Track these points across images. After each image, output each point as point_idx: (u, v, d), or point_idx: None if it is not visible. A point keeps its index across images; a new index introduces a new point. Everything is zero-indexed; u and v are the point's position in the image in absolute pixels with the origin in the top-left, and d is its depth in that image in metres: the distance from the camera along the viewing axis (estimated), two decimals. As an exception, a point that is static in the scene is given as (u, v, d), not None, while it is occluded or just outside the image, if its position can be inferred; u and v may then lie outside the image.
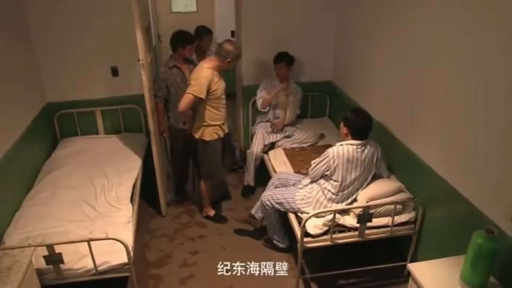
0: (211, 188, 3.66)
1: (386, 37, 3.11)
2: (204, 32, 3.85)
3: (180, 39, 3.50)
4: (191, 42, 3.53)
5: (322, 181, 2.86)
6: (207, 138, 3.26)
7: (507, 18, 1.97)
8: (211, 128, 3.25)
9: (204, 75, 3.04)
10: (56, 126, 3.87)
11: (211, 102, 3.15)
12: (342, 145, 2.75)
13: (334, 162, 2.73)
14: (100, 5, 3.55)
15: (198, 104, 3.16)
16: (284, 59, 3.71)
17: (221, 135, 3.35)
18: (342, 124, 2.81)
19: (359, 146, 2.73)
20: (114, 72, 3.83)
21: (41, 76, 3.68)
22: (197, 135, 3.28)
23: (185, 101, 3.05)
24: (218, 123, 3.27)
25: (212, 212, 3.71)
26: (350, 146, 2.73)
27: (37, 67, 3.63)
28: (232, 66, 3.23)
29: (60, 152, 3.66)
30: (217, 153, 3.42)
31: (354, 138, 2.74)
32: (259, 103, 3.87)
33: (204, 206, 3.72)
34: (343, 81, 4.06)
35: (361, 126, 2.73)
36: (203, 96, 3.05)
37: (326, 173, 2.82)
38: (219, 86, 3.15)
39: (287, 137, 3.87)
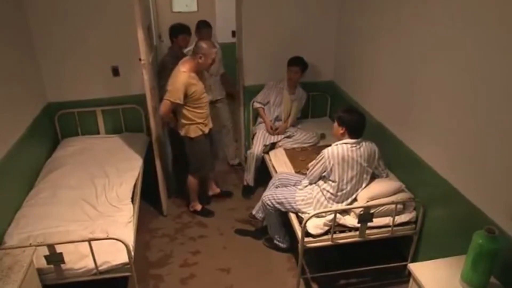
0: (199, 182, 3.71)
1: (387, 37, 3.11)
2: (201, 26, 3.95)
3: (171, 30, 3.84)
4: (182, 32, 3.79)
5: (320, 182, 2.87)
6: (192, 135, 3.34)
7: (507, 17, 1.97)
8: (195, 125, 3.33)
9: (179, 80, 3.09)
10: (57, 126, 3.87)
11: (191, 103, 3.21)
12: (337, 145, 2.76)
13: (330, 162, 2.74)
14: (100, 4, 3.55)
15: (179, 107, 3.23)
16: (300, 64, 3.72)
17: (206, 130, 3.42)
18: (336, 124, 2.81)
19: (354, 145, 2.73)
20: (115, 72, 3.83)
21: (42, 76, 3.69)
22: (182, 133, 3.36)
23: (164, 106, 3.16)
24: (202, 120, 3.35)
25: (199, 207, 3.77)
26: (344, 145, 2.73)
27: (38, 67, 3.64)
28: (207, 66, 3.21)
29: (61, 152, 3.66)
30: (204, 147, 3.50)
31: (350, 136, 2.75)
32: (256, 105, 3.92)
33: (192, 201, 3.76)
34: (344, 81, 4.05)
35: (356, 124, 2.74)
36: (180, 101, 3.13)
37: (323, 174, 2.83)
38: (197, 87, 3.18)
39: (288, 137, 3.87)
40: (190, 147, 3.44)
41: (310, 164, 2.92)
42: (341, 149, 2.73)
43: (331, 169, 2.75)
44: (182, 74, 3.10)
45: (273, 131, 3.84)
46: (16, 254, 2.20)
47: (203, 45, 3.11)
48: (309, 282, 2.97)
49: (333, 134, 2.92)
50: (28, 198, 3.02)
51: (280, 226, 3.15)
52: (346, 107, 2.91)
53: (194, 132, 3.33)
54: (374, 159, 2.83)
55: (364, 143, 2.77)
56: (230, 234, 3.51)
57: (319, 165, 2.81)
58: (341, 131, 2.78)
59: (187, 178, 3.66)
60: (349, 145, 2.73)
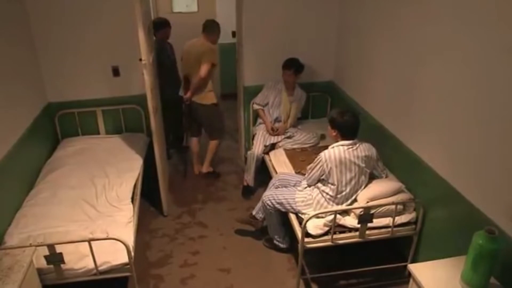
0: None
1: (387, 37, 3.11)
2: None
3: (153, 26, 4.12)
4: (163, 25, 4.26)
5: (319, 184, 2.87)
6: (215, 100, 3.98)
7: (507, 16, 1.97)
8: (212, 92, 3.94)
9: (212, 47, 3.82)
10: (57, 126, 3.88)
11: (212, 72, 3.85)
12: (333, 147, 2.76)
13: (327, 165, 2.74)
14: (101, 4, 3.56)
15: (211, 72, 3.80)
16: (292, 67, 3.72)
17: None
18: (329, 127, 2.82)
19: (350, 146, 2.73)
20: (115, 72, 3.84)
21: (42, 76, 3.69)
22: (208, 102, 3.92)
23: (206, 69, 3.71)
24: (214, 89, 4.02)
25: (211, 169, 4.32)
26: (341, 147, 2.73)
27: (39, 67, 3.64)
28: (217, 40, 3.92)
29: (61, 152, 3.66)
30: None
31: (344, 138, 2.75)
32: (255, 106, 3.94)
33: (208, 161, 4.27)
34: (344, 81, 4.06)
35: (348, 125, 2.73)
36: (216, 63, 3.80)
37: (322, 177, 2.83)
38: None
39: (288, 138, 3.86)
40: (214, 112, 4.04)
41: (308, 167, 2.92)
42: (337, 151, 2.72)
43: (329, 172, 2.75)
44: (211, 45, 3.81)
45: (273, 131, 3.84)
46: (16, 254, 2.21)
47: (214, 23, 3.88)
48: (309, 283, 2.97)
49: (329, 135, 2.92)
50: (28, 198, 3.03)
51: (280, 226, 3.15)
52: (338, 109, 2.87)
53: (214, 98, 3.96)
54: (372, 160, 2.82)
55: (360, 143, 2.77)
56: (230, 234, 3.51)
57: (317, 168, 2.81)
58: (334, 134, 2.79)
59: (210, 144, 4.19)
60: (345, 147, 2.73)
